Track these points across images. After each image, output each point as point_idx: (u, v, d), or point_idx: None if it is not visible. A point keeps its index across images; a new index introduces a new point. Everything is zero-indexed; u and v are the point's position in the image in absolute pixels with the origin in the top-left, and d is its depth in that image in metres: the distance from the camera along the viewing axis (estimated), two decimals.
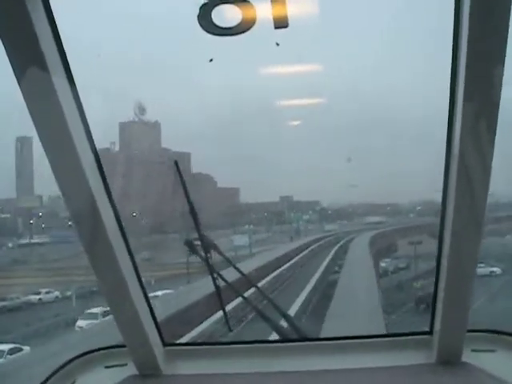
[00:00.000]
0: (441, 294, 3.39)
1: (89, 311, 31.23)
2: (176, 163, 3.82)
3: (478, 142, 2.74)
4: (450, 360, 3.60)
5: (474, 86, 2.58)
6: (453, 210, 2.97)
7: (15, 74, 2.65)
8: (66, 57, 2.84)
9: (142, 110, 33.10)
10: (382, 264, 46.60)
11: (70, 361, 3.87)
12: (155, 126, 36.29)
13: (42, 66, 2.63)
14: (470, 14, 2.38)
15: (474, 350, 3.66)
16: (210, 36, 2.61)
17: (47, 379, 3.69)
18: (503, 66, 2.49)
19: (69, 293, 38.39)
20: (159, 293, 31.69)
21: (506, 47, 2.44)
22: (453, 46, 2.68)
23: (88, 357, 3.93)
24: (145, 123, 34.34)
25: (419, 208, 51.72)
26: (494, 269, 44.27)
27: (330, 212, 53.12)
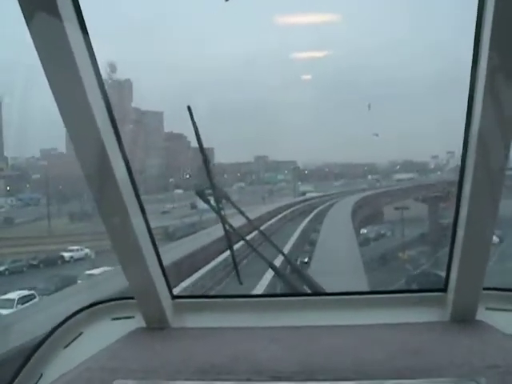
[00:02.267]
0: (457, 252, 3.43)
1: (4, 297, 27.80)
2: (189, 108, 3.85)
3: (501, 105, 2.73)
4: (464, 318, 3.65)
5: (500, 38, 2.54)
6: (473, 168, 3.01)
7: (26, 20, 2.71)
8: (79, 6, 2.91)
9: (112, 68, 32.78)
10: (364, 231, 45.27)
11: (77, 312, 3.93)
12: (126, 85, 35.98)
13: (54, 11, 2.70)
14: None
15: (488, 309, 3.76)
16: None
17: (53, 331, 3.76)
18: None
19: None
20: (96, 271, 30.30)
21: None
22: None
23: (95, 308, 3.99)
24: (115, 81, 34.03)
25: (398, 167, 51.24)
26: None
27: (306, 172, 52.57)
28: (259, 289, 17.22)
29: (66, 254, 39.70)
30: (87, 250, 39.27)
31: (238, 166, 48.15)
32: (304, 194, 50.73)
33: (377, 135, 31.07)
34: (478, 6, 2.67)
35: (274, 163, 49.46)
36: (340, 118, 38.68)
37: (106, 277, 23.89)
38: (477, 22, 2.70)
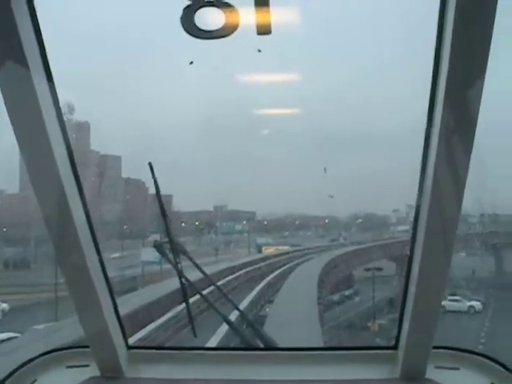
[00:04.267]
0: (408, 309, 3.49)
1: None
2: (150, 164, 3.91)
3: (454, 161, 2.83)
4: (414, 376, 3.70)
5: (453, 100, 2.66)
6: (425, 225, 3.06)
7: None
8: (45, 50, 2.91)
9: (70, 109, 32.73)
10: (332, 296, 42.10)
11: (31, 360, 3.89)
12: (84, 127, 35.96)
13: (21, 58, 2.71)
14: (454, 25, 2.45)
15: (438, 367, 3.80)
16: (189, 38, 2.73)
17: (6, 378, 3.71)
18: (483, 81, 2.57)
19: None
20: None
21: (487, 61, 2.52)
22: (434, 60, 2.77)
23: (49, 356, 3.95)
24: (73, 123, 34.00)
25: (360, 221, 51.45)
26: (473, 303, 41.43)
27: (265, 223, 52.42)
28: (213, 342, 16.69)
29: None
30: (4, 305, 35.30)
31: (197, 214, 48.03)
32: (260, 247, 50.02)
33: (332, 197, 31.54)
34: (434, 62, 2.76)
35: (233, 213, 49.32)
36: (301, 171, 38.94)
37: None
38: (432, 79, 2.79)
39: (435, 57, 2.73)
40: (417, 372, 3.70)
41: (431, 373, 3.72)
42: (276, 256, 46.94)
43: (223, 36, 2.71)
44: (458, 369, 3.78)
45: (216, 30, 2.69)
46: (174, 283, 4.32)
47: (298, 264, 44.47)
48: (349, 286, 45.11)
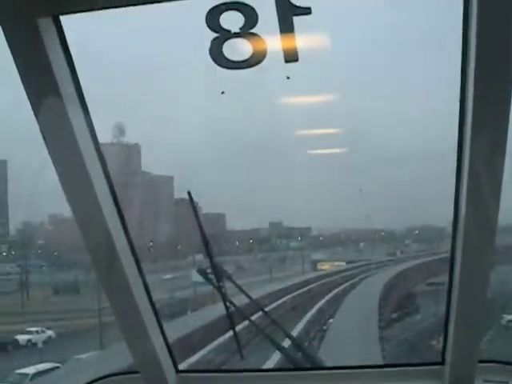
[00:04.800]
0: (452, 324, 3.51)
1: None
2: (189, 193, 3.99)
3: (487, 167, 2.87)
4: None
5: (482, 112, 2.72)
6: (463, 238, 3.08)
7: (30, 102, 2.82)
8: (79, 83, 3.01)
9: (121, 131, 33.04)
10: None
11: None
12: (135, 149, 36.23)
13: (56, 92, 2.81)
14: (478, 35, 2.53)
15: (486, 381, 3.80)
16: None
17: None
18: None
19: None
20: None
21: None
22: (461, 78, 2.83)
23: (103, 381, 4.05)
24: (124, 145, 34.30)
25: (416, 233, 50.24)
26: None
27: (321, 238, 51.56)
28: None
29: (22, 337, 33.18)
30: (50, 332, 34.66)
31: (251, 232, 47.82)
32: (315, 263, 49.61)
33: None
34: (461, 67, 2.80)
35: (288, 229, 49.00)
36: (353, 188, 38.73)
37: None
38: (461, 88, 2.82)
39: (462, 63, 2.77)
40: None
41: None
42: (332, 274, 46.10)
43: (252, 65, 2.78)
44: (506, 383, 3.78)
45: (244, 60, 2.76)
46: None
47: (354, 284, 42.95)
48: (411, 303, 42.70)
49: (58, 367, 25.13)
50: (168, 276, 37.88)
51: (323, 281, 42.63)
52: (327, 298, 37.63)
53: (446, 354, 3.76)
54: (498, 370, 3.87)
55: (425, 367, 4.01)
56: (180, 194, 37.61)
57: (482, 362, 3.76)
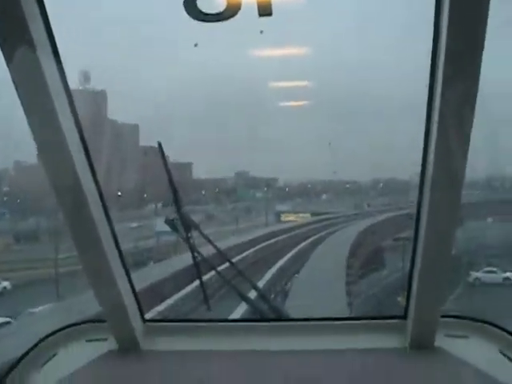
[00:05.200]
0: (416, 279, 3.58)
1: None
2: (159, 144, 4.00)
3: (458, 118, 2.90)
4: (423, 345, 3.81)
5: (454, 61, 2.74)
6: (429, 193, 3.13)
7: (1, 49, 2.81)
8: (51, 30, 3.01)
9: (86, 78, 32.55)
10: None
11: (52, 333, 4.05)
12: (101, 95, 35.82)
13: (28, 37, 2.80)
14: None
15: (447, 336, 3.91)
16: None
17: (28, 351, 3.86)
18: (483, 41, 2.65)
19: None
20: None
21: (487, 13, 2.58)
22: (434, 21, 2.83)
23: (70, 330, 4.11)
24: (90, 92, 33.85)
25: (381, 185, 50.30)
26: (509, 274, 37.58)
27: (287, 189, 51.56)
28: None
29: None
30: (6, 283, 33.38)
31: (218, 181, 47.72)
32: (279, 215, 49.56)
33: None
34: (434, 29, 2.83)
35: (254, 179, 48.93)
36: (320, 140, 38.76)
37: None
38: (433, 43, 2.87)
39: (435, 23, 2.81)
40: (426, 341, 3.82)
41: (440, 341, 3.84)
42: (299, 227, 44.58)
43: (226, 18, 2.80)
44: (467, 337, 3.89)
45: (218, 13, 2.78)
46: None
47: (321, 238, 41.42)
48: (378, 259, 42.87)
49: (9, 322, 24.11)
50: (134, 225, 37.74)
51: (290, 234, 41.55)
52: (293, 252, 36.53)
53: (408, 309, 3.84)
54: (460, 325, 3.97)
55: (388, 321, 4.09)
56: (146, 142, 37.45)
57: (443, 316, 3.85)
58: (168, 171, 4.08)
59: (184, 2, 2.77)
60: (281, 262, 32.81)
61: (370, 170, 42.67)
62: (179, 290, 22.45)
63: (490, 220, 43.79)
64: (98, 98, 35.02)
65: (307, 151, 39.78)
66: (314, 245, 39.05)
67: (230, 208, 48.26)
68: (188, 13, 2.77)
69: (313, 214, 50.04)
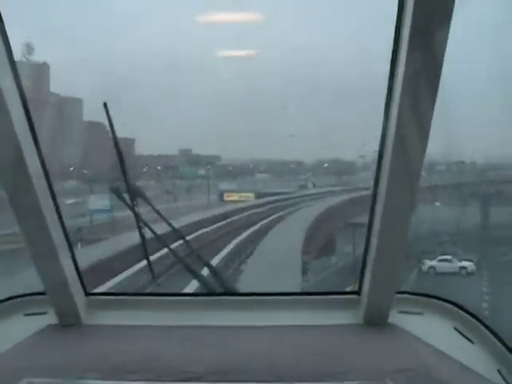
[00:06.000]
0: (371, 255, 3.65)
1: None
2: (105, 104, 3.94)
3: (418, 103, 2.97)
4: (377, 321, 3.92)
5: (417, 42, 2.79)
6: (388, 170, 3.18)
7: None
8: None
9: (29, 49, 31.92)
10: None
11: None
12: (43, 68, 35.19)
13: None
14: None
15: (401, 312, 4.00)
16: None
17: None
18: (449, 19, 2.69)
19: None
20: None
21: (453, 8, 2.64)
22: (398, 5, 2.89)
23: (7, 304, 4.05)
24: (32, 64, 33.24)
25: (326, 165, 50.15)
26: (465, 263, 36.10)
27: (230, 168, 51.03)
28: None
29: None
30: None
31: (160, 158, 47.26)
32: (222, 194, 48.61)
33: (292, 136, 31.12)
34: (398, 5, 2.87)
35: (197, 157, 48.57)
36: (265, 116, 38.67)
37: None
38: (396, 27, 2.91)
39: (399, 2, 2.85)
40: (380, 317, 3.92)
41: (394, 318, 3.95)
42: (242, 210, 41.64)
43: None
44: (421, 314, 4.00)
45: None
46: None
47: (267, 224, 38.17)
48: (332, 244, 41.38)
49: None
50: (71, 201, 37.03)
51: (232, 219, 38.63)
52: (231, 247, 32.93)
53: (363, 285, 3.91)
54: (414, 302, 4.06)
55: (342, 296, 4.15)
56: (89, 117, 36.95)
57: (398, 293, 3.92)
58: (114, 135, 4.04)
59: None
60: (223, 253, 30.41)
61: (316, 150, 42.76)
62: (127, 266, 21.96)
63: (437, 204, 42.97)
64: (41, 71, 34.52)
65: (251, 130, 39.73)
66: (259, 235, 35.88)
67: (170, 185, 46.91)
68: None
69: (257, 195, 48.88)
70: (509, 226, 39.10)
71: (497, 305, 28.53)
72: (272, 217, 40.70)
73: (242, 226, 37.46)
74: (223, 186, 49.49)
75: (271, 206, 44.59)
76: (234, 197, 48.62)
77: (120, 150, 4.13)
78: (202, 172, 49.45)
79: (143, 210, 4.35)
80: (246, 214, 40.93)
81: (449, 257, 37.01)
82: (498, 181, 44.65)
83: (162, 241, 4.23)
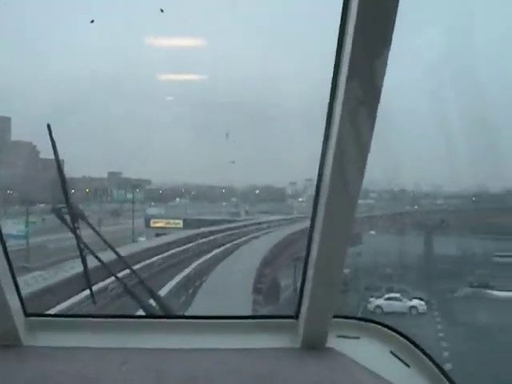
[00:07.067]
0: (309, 279, 3.68)
1: None
2: (48, 126, 3.89)
3: (357, 133, 2.98)
4: (314, 345, 3.91)
5: (356, 73, 2.80)
6: (326, 197, 3.22)
7: None
8: None
9: None
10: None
11: None
12: None
13: None
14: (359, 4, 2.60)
15: (338, 336, 4.03)
16: None
17: None
18: (387, 55, 2.71)
19: None
20: None
21: (391, 35, 2.67)
22: (339, 33, 2.88)
23: None
24: None
25: (257, 192, 50.47)
26: (415, 302, 33.44)
27: (160, 192, 50.97)
28: None
29: None
30: None
31: (89, 181, 46.84)
32: (149, 220, 47.78)
33: (233, 162, 31.30)
34: (339, 35, 2.92)
35: (127, 180, 48.22)
36: (199, 141, 38.87)
37: None
38: (336, 53, 2.96)
39: (340, 30, 2.89)
40: (317, 341, 3.93)
41: (332, 342, 3.97)
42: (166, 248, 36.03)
43: None
44: (358, 338, 4.04)
45: None
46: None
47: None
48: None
49: None
50: None
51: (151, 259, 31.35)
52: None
53: (300, 309, 3.94)
54: (351, 326, 4.11)
55: (280, 320, 4.18)
56: (17, 136, 36.55)
57: (335, 317, 3.97)
58: (57, 157, 3.99)
59: None
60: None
61: (247, 176, 42.99)
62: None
63: (372, 233, 42.52)
64: None
65: (184, 155, 39.78)
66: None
67: (96, 209, 46.06)
68: None
69: (186, 222, 47.29)
70: (453, 258, 37.99)
71: (457, 351, 26.31)
72: (204, 257, 36.19)
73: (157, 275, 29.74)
74: (151, 210, 49.25)
75: (204, 240, 40.27)
76: (162, 223, 48.21)
77: (63, 172, 4.10)
78: (130, 196, 48.62)
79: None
80: (171, 251, 35.89)
81: (397, 295, 34.26)
82: (437, 210, 44.95)
83: (103, 264, 4.22)
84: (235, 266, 33.86)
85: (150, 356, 3.85)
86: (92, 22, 3.60)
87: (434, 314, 32.89)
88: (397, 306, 32.81)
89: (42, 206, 36.87)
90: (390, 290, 34.77)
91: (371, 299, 33.97)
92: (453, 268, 36.22)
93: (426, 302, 33.69)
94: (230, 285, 29.85)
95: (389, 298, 33.92)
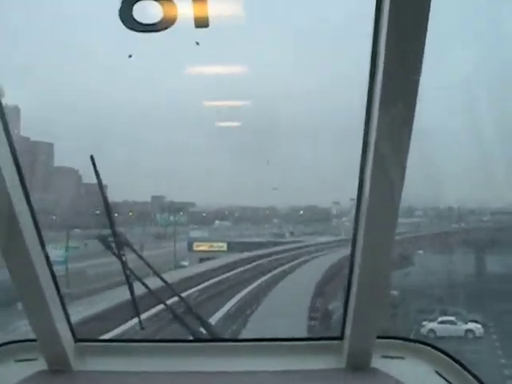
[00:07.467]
0: (352, 300, 3.66)
1: None
2: (92, 158, 3.96)
3: (393, 147, 2.99)
4: (359, 366, 3.91)
5: (391, 89, 2.82)
6: (366, 214, 3.20)
7: None
8: None
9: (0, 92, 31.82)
10: None
11: None
12: (14, 111, 35.11)
13: None
14: (389, 16, 2.61)
15: (383, 357, 3.98)
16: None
17: None
18: (420, 70, 2.73)
19: None
20: None
21: (423, 53, 2.68)
22: (372, 48, 2.92)
23: None
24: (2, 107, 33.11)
25: (301, 213, 49.51)
26: (471, 326, 30.69)
27: (204, 214, 50.49)
28: None
29: None
30: None
31: (133, 205, 47.10)
32: (191, 243, 47.05)
33: (276, 189, 31.10)
34: (371, 56, 2.89)
35: (171, 204, 48.29)
36: (243, 162, 38.95)
37: None
38: (370, 75, 2.92)
39: (372, 52, 2.86)
40: (362, 362, 3.91)
41: (376, 362, 3.94)
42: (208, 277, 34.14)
43: (161, 29, 2.80)
44: (402, 358, 3.98)
45: (154, 24, 2.78)
46: None
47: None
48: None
49: None
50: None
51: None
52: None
53: (345, 329, 3.90)
54: (396, 346, 4.07)
55: (325, 342, 4.14)
56: (60, 162, 36.84)
57: (379, 337, 3.92)
58: (101, 185, 4.04)
59: (120, 11, 2.76)
60: None
61: (289, 196, 42.79)
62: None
63: (420, 252, 40.68)
64: (11, 114, 34.41)
65: (228, 177, 39.86)
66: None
67: (138, 232, 45.60)
68: (122, 21, 2.76)
69: (229, 246, 45.86)
70: (506, 276, 34.45)
71: None
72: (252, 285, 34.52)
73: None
74: (194, 233, 48.63)
75: (253, 264, 39.45)
76: (205, 246, 47.11)
77: (108, 202, 4.15)
78: (173, 219, 48.82)
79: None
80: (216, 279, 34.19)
81: (452, 318, 31.80)
82: (485, 227, 42.46)
83: (149, 289, 4.23)
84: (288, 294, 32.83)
85: (199, 379, 3.88)
86: (130, 56, 3.62)
87: (493, 338, 30.25)
88: (452, 329, 30.46)
89: (84, 230, 37.15)
90: (444, 313, 32.25)
91: (424, 323, 31.57)
92: (508, 288, 32.32)
93: (483, 325, 31.06)
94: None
95: (443, 322, 31.49)
